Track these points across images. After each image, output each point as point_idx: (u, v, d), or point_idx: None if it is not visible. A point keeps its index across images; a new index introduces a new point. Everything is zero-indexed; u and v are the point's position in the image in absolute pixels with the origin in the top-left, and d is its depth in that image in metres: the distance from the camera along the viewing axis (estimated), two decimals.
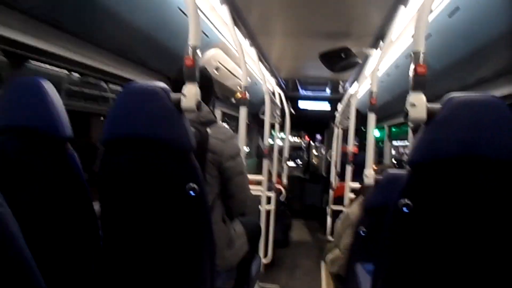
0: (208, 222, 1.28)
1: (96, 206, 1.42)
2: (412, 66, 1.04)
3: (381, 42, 2.70)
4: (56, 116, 1.31)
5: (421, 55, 1.04)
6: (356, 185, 3.21)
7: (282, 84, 5.41)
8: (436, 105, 0.98)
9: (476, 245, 0.99)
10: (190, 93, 1.16)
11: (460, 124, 0.96)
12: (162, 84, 1.20)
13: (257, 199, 2.80)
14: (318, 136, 8.58)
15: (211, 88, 1.65)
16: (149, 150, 1.23)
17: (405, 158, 4.93)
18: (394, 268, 1.11)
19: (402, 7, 2.08)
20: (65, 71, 2.11)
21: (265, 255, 3.21)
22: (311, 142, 8.55)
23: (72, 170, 1.34)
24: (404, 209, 1.00)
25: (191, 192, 1.20)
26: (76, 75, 2.22)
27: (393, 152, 5.08)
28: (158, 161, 1.24)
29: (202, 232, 1.28)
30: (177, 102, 1.17)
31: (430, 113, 0.98)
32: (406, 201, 1.00)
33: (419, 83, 1.03)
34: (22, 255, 0.53)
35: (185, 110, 1.18)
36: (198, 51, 1.20)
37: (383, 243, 1.11)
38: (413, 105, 1.00)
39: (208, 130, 1.48)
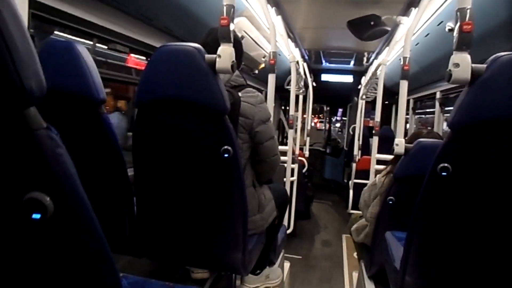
0: (241, 184, 1.28)
1: (130, 172, 1.44)
2: (457, 24, 0.99)
3: (412, 9, 2.60)
4: (91, 79, 1.31)
5: (468, 12, 0.99)
6: (382, 156, 3.17)
7: (306, 55, 5.31)
8: (482, 66, 0.94)
9: None
10: (225, 54, 1.14)
11: (506, 85, 0.91)
12: (196, 45, 1.18)
13: (283, 168, 2.81)
14: (340, 111, 8.50)
15: (241, 51, 1.63)
16: (184, 112, 1.23)
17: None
18: (429, 233, 1.09)
19: None
20: (90, 42, 2.11)
21: (288, 226, 3.24)
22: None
23: (106, 133, 1.36)
24: (443, 173, 0.98)
25: (225, 155, 1.20)
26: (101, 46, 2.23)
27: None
28: (193, 123, 1.24)
29: (235, 195, 1.29)
30: (212, 63, 1.16)
31: (475, 74, 0.93)
32: (445, 164, 0.97)
33: (465, 42, 0.98)
34: (83, 197, 0.54)
35: (220, 71, 1.17)
36: (233, 11, 1.17)
37: (418, 209, 1.10)
38: (456, 65, 0.95)
39: (240, 94, 1.47)
